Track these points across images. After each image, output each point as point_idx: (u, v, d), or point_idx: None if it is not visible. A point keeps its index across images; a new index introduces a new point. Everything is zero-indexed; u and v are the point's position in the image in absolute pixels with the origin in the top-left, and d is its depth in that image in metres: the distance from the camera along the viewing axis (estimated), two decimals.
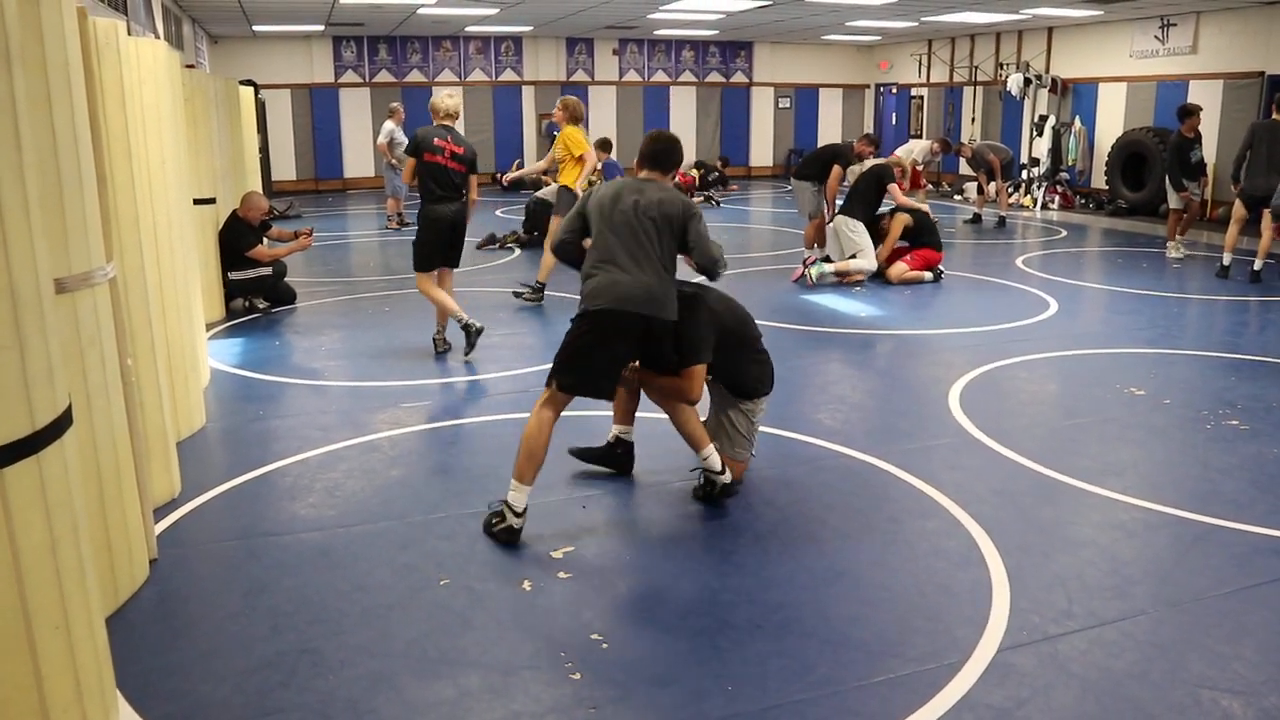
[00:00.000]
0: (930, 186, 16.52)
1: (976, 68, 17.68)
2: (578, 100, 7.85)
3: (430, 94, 18.32)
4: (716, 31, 17.80)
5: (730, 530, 3.88)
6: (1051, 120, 15.08)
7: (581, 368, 3.81)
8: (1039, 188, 14.99)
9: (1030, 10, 13.33)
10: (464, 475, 4.49)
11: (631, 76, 19.68)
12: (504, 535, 3.72)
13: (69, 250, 2.73)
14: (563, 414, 3.86)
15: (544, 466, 3.77)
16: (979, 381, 5.92)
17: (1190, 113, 9.99)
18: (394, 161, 12.77)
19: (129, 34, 4.05)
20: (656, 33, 17.94)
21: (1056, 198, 14.93)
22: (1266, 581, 3.43)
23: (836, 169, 9.54)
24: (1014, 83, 15.49)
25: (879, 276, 9.18)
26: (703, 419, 4.23)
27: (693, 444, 4.04)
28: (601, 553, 3.70)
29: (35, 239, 2.12)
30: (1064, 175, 15.09)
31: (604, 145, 11.57)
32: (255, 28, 15.47)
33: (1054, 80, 15.54)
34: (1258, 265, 8.93)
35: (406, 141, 7.64)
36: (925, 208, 9.63)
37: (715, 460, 4.02)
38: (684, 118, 20.12)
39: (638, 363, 4.09)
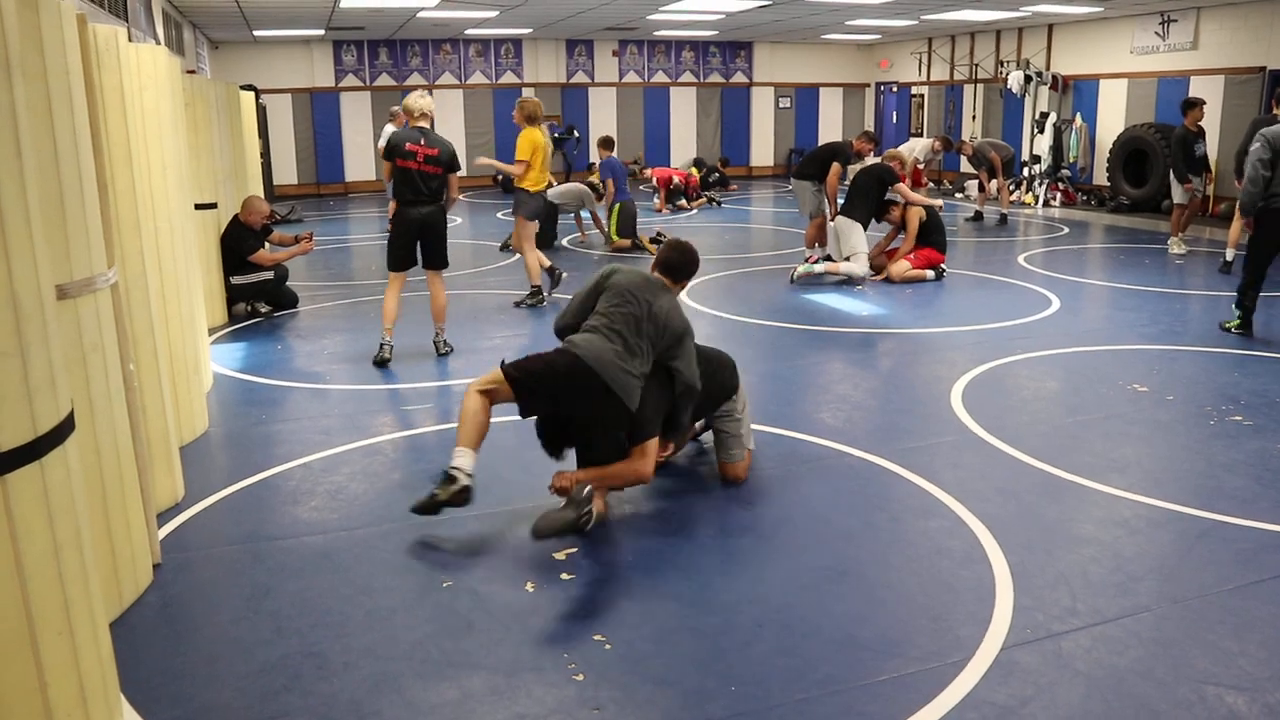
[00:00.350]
0: (931, 185, 16.50)
1: (977, 65, 17.67)
2: (536, 101, 7.81)
3: (429, 96, 18.49)
4: (716, 32, 17.80)
5: (733, 530, 3.88)
6: (1052, 117, 15.06)
7: (534, 372, 3.82)
8: (1040, 185, 14.98)
9: (1030, 7, 13.32)
10: None
11: (631, 78, 19.69)
12: (459, 498, 3.74)
13: (70, 256, 2.74)
14: None
15: (543, 466, 3.77)
16: (981, 379, 5.91)
17: (1194, 105, 9.99)
18: None
19: (129, 40, 4.06)
20: (656, 34, 17.94)
21: (1058, 195, 14.92)
22: (1271, 577, 3.43)
23: (835, 167, 9.54)
24: (1014, 80, 15.48)
25: (879, 274, 9.19)
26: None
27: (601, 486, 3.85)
28: (603, 554, 3.70)
29: (37, 245, 2.13)
30: (1065, 172, 15.07)
31: (606, 143, 11.60)
32: (256, 33, 15.49)
33: (1055, 77, 15.52)
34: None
35: None
36: (938, 203, 9.58)
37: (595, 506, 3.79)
38: (684, 118, 20.13)
39: (581, 473, 3.89)
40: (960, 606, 3.25)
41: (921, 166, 14.72)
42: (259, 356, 6.68)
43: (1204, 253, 10.59)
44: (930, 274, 9.16)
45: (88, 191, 2.79)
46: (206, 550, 3.79)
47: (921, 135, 18.52)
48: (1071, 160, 15.10)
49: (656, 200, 15.18)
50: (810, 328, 7.33)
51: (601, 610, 3.27)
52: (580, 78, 19.31)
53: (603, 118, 19.38)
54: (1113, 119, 14.86)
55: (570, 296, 4.24)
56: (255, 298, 7.93)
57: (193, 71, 12.20)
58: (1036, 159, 15.27)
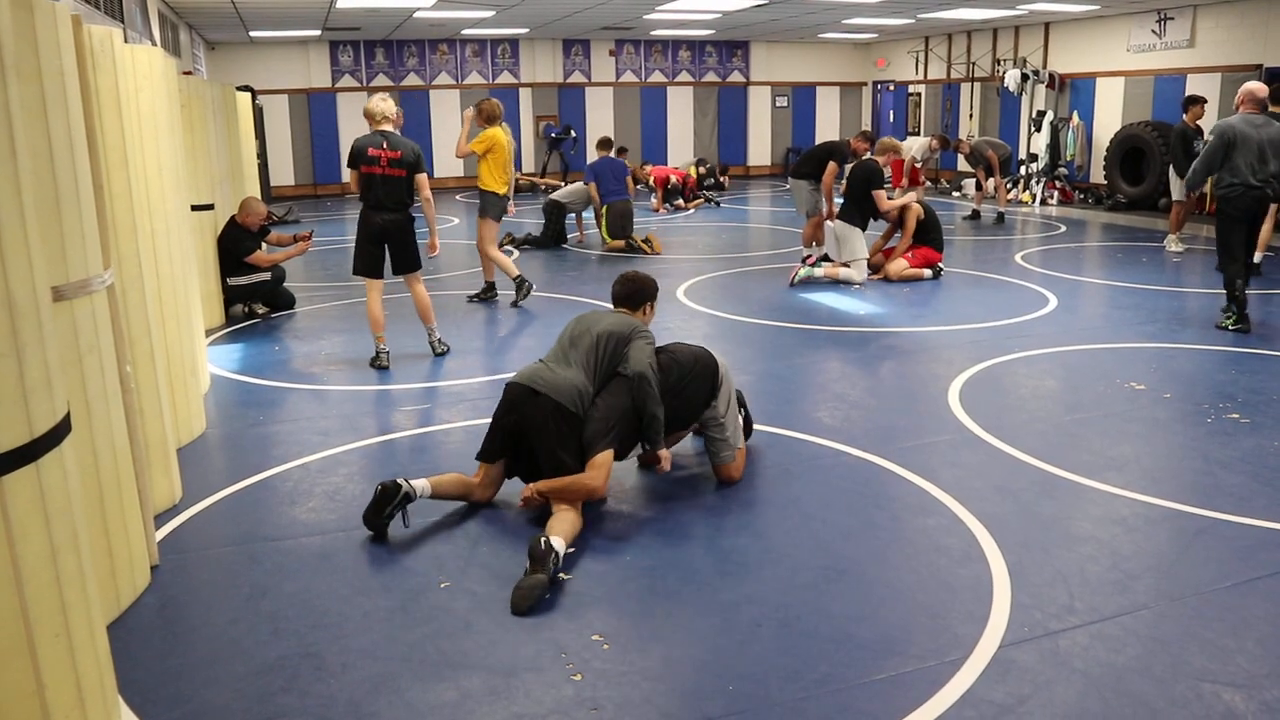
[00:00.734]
0: (929, 184, 16.52)
1: (974, 64, 17.68)
2: (495, 102, 7.80)
3: (428, 97, 18.52)
4: (713, 31, 17.80)
5: (730, 529, 3.88)
6: (1049, 115, 15.07)
7: (491, 436, 4.11)
8: (1037, 183, 14.99)
9: (1027, 6, 13.33)
10: None
11: (628, 77, 19.69)
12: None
13: (66, 258, 2.74)
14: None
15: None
16: (978, 378, 5.92)
17: (1195, 102, 10.03)
18: None
19: (125, 41, 4.06)
20: (653, 33, 17.95)
21: (1055, 193, 14.93)
22: (1268, 575, 3.43)
23: (831, 165, 9.54)
24: (1011, 78, 15.50)
25: (877, 273, 9.19)
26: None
27: (554, 534, 3.57)
28: (601, 553, 3.70)
29: (32, 247, 2.12)
30: (1062, 170, 15.09)
31: (604, 144, 11.60)
32: (252, 33, 15.48)
33: (1051, 75, 15.54)
34: (1257, 258, 8.92)
35: None
36: (913, 197, 9.45)
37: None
38: (681, 118, 20.14)
39: (536, 488, 3.91)
40: (958, 605, 3.25)
41: (919, 165, 14.74)
42: (256, 358, 6.67)
43: (1201, 250, 10.60)
44: (928, 273, 9.16)
45: (83, 193, 2.79)
46: (204, 551, 3.79)
47: (919, 134, 18.54)
48: (1069, 158, 15.11)
49: (654, 200, 15.18)
50: (808, 327, 7.33)
51: (600, 610, 3.27)
52: (577, 77, 19.31)
53: (599, 118, 19.38)
54: (1109, 117, 14.87)
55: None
56: (252, 299, 7.93)
57: (189, 72, 12.19)
58: (1034, 157, 15.28)
